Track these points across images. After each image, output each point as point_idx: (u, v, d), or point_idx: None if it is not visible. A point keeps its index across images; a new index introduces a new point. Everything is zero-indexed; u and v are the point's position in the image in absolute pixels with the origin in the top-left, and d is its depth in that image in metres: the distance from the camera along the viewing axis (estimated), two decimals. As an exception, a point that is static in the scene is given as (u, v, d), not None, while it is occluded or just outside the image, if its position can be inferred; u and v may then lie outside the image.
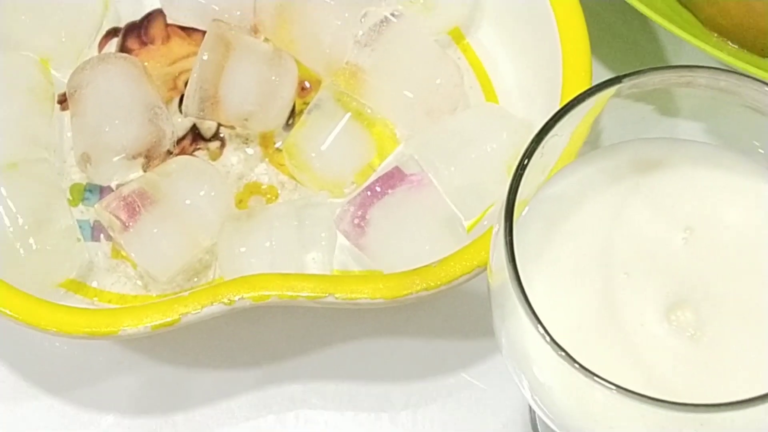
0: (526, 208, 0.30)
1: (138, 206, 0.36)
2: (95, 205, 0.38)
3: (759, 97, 0.28)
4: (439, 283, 0.35)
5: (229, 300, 0.35)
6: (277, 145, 0.41)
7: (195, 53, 0.41)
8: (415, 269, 0.35)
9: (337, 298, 0.35)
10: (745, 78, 0.28)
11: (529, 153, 0.28)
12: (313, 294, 0.35)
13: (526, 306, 0.26)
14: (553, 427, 0.30)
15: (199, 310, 0.35)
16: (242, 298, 0.35)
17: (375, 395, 0.39)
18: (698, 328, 0.28)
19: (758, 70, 0.38)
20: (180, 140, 0.41)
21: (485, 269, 0.30)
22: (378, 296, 0.35)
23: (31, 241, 0.37)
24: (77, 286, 0.38)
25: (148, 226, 0.36)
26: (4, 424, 0.41)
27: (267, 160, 0.41)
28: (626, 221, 0.30)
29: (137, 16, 0.44)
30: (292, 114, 0.41)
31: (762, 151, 0.29)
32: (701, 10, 0.39)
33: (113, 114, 0.38)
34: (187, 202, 0.37)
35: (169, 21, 0.43)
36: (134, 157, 0.38)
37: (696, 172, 0.31)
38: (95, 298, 0.38)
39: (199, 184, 0.37)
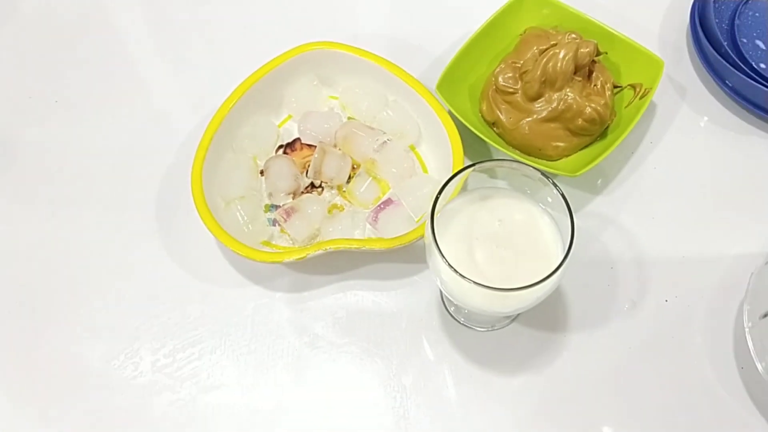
0: (439, 213, 0.52)
1: (290, 212, 0.64)
2: (274, 213, 0.66)
3: (527, 171, 0.53)
4: (405, 242, 0.60)
5: (325, 249, 0.60)
6: (343, 189, 0.68)
7: (312, 155, 0.67)
8: (396, 236, 0.61)
9: (366, 248, 0.60)
10: (521, 164, 0.53)
11: (439, 192, 0.51)
12: (357, 246, 0.60)
13: (438, 251, 0.49)
14: (449, 297, 0.53)
15: (314, 252, 0.60)
16: (330, 248, 0.60)
17: (381, 285, 0.65)
18: (504, 258, 0.52)
19: (527, 161, 0.66)
20: (306, 188, 0.67)
21: (423, 237, 0.58)
22: (382, 247, 0.60)
23: (249, 226, 0.64)
24: (267, 243, 0.65)
25: (293, 220, 0.64)
26: (233, 297, 0.63)
27: (339, 195, 0.67)
28: (476, 218, 0.54)
29: (290, 140, 0.70)
30: (349, 178, 0.68)
31: (528, 191, 0.54)
32: (506, 137, 0.69)
33: (280, 177, 0.65)
34: (309, 211, 0.64)
35: (302, 142, 0.70)
36: (288, 194, 0.66)
37: (503, 199, 0.54)
38: (274, 248, 0.64)
39: (313, 204, 0.65)
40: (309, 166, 0.68)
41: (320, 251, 0.61)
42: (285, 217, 0.65)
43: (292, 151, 0.71)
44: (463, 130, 0.67)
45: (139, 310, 0.65)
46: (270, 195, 0.68)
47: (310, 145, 0.71)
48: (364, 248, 0.61)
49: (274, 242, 0.66)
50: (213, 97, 0.70)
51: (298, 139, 0.71)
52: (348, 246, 0.61)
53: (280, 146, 0.71)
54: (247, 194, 0.67)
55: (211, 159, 0.66)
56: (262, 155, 0.70)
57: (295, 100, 0.71)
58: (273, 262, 0.61)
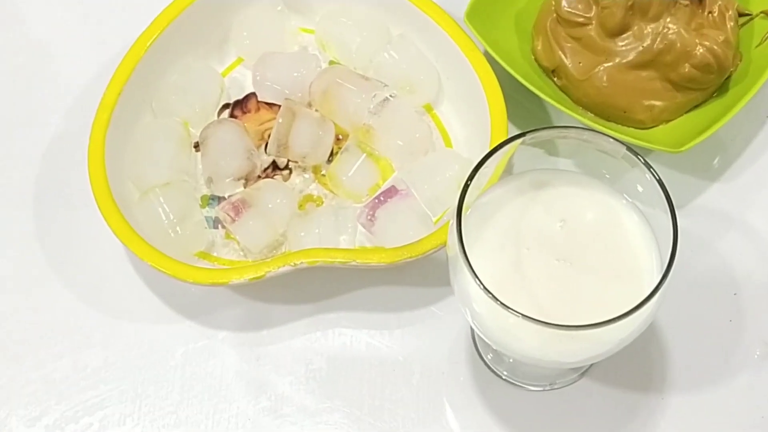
0: (469, 210, 0.52)
1: (240, 208, 0.65)
2: (216, 208, 0.68)
3: (605, 145, 0.53)
4: (417, 254, 0.62)
5: (294, 263, 0.62)
6: (322, 173, 0.70)
7: (274, 119, 0.70)
8: (403, 246, 0.62)
9: (357, 262, 0.62)
10: (597, 133, 0.53)
11: (470, 178, 0.50)
12: (343, 260, 0.62)
13: (468, 266, 0.48)
14: (484, 338, 0.54)
15: (277, 269, 0.61)
16: (302, 262, 0.62)
17: (379, 320, 0.67)
18: (569, 279, 0.52)
19: (605, 129, 0.65)
20: (265, 169, 0.70)
21: (444, 246, 0.56)
22: (381, 261, 0.62)
23: (178, 228, 0.65)
24: (205, 255, 0.67)
25: (246, 219, 0.65)
26: (152, 338, 0.66)
27: (316, 181, 0.70)
28: (527, 216, 0.54)
29: (240, 96, 0.73)
30: (331, 154, 0.70)
31: (608, 176, 0.55)
32: (572, 92, 0.70)
33: (225, 154, 0.67)
34: (270, 205, 0.65)
35: (259, 99, 0.72)
36: (238, 179, 0.68)
37: (568, 188, 0.55)
38: (215, 262, 0.66)
39: (276, 195, 0.66)
40: (269, 136, 0.70)
41: (286, 267, 0.63)
42: (232, 215, 0.66)
43: (244, 113, 0.73)
44: (505, 81, 0.69)
45: (6, 358, 0.67)
46: (210, 181, 0.70)
47: (271, 105, 0.73)
48: (353, 263, 0.63)
49: (215, 254, 0.68)
50: (121, 30, 0.71)
51: (253, 94, 0.73)
52: (329, 260, 0.63)
53: (226, 106, 0.73)
54: (174, 179, 0.68)
55: (120, 125, 0.67)
56: (198, 120, 0.71)
57: (248, 35, 0.73)
58: (214, 285, 0.63)
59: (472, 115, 0.70)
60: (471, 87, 0.69)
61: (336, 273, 0.67)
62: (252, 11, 0.74)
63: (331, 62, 0.75)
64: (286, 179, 0.70)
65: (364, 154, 0.70)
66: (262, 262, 0.63)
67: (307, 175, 0.71)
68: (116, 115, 0.67)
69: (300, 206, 0.69)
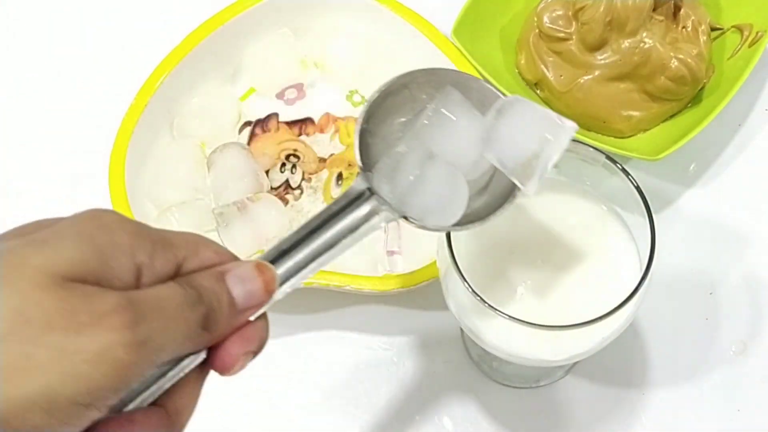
0: None
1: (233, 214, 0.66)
2: (212, 208, 0.68)
3: (585, 153, 0.54)
4: (410, 284, 0.63)
5: None
6: (332, 194, 0.71)
7: (293, 138, 0.72)
8: (396, 275, 0.63)
9: (351, 287, 0.63)
10: (577, 143, 0.54)
11: None
12: (338, 284, 0.63)
13: (457, 270, 0.50)
14: (473, 338, 0.54)
15: None
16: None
17: (374, 323, 0.67)
18: (553, 281, 0.53)
19: (585, 138, 0.66)
20: (277, 188, 0.71)
21: (436, 278, 0.56)
22: (374, 289, 0.63)
23: None
24: None
25: (234, 224, 0.66)
26: None
27: (325, 203, 0.70)
28: (513, 221, 0.55)
29: (262, 116, 0.74)
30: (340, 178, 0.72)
31: (589, 183, 0.56)
32: (554, 104, 0.71)
33: (241, 175, 0.68)
34: (262, 218, 0.67)
35: (280, 119, 0.74)
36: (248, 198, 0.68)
37: (553, 194, 0.56)
38: None
39: (270, 209, 0.67)
40: (287, 155, 0.72)
41: None
42: (224, 221, 0.68)
43: (264, 132, 0.74)
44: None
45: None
46: (218, 199, 0.70)
47: (290, 124, 0.74)
48: (347, 288, 0.64)
49: None
50: (144, 56, 0.72)
51: (275, 114, 0.75)
52: (324, 282, 0.64)
53: (247, 123, 0.75)
54: (189, 198, 0.69)
55: (139, 146, 0.68)
56: (215, 141, 0.72)
57: (260, 66, 0.74)
58: None
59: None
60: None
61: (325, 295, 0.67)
62: (262, 43, 0.75)
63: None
64: (297, 198, 0.71)
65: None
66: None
67: (317, 196, 0.72)
68: (135, 137, 0.68)
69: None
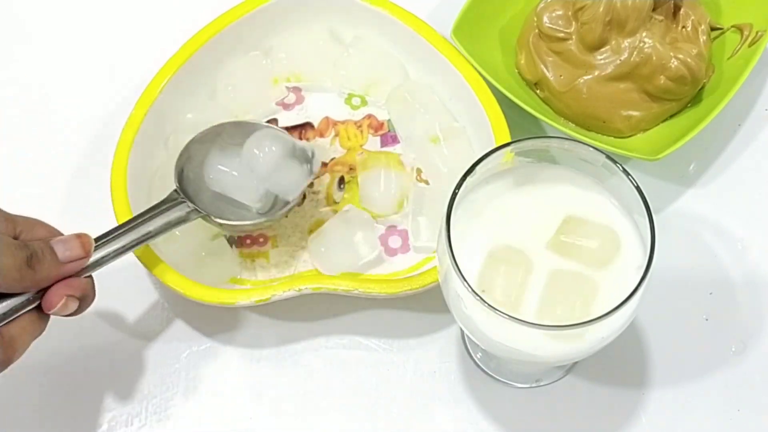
0: (457, 209, 0.53)
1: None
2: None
3: (585, 153, 0.54)
4: (418, 286, 0.63)
5: (298, 289, 0.63)
6: (335, 199, 0.71)
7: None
8: (404, 278, 0.64)
9: (360, 291, 0.63)
10: (578, 142, 0.55)
11: (458, 186, 0.53)
12: (346, 289, 0.63)
13: (456, 270, 0.50)
14: (473, 339, 0.55)
15: (282, 293, 0.63)
16: (306, 287, 0.63)
17: (375, 323, 0.67)
18: (545, 282, 0.52)
19: (585, 138, 0.66)
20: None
21: (435, 283, 0.58)
22: (383, 293, 0.63)
23: (204, 256, 0.67)
24: (236, 281, 0.68)
25: None
26: (158, 341, 0.67)
27: (328, 206, 0.71)
28: (514, 216, 0.55)
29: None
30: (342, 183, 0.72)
31: (590, 181, 0.55)
32: (554, 103, 0.71)
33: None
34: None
35: (279, 125, 0.74)
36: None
37: (561, 185, 0.56)
38: (249, 285, 0.67)
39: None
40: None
41: (291, 292, 0.64)
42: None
43: None
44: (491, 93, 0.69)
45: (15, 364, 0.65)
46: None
47: (293, 128, 0.75)
48: (355, 292, 0.64)
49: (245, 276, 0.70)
50: (134, 72, 0.74)
51: (274, 120, 0.75)
52: (332, 287, 0.64)
53: None
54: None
55: (137, 161, 0.68)
56: None
57: (233, 89, 0.73)
58: (221, 305, 0.64)
59: (478, 135, 0.71)
60: (461, 92, 0.70)
61: (339, 301, 0.68)
62: (236, 65, 0.74)
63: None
64: (299, 204, 0.72)
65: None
66: (269, 286, 0.65)
67: (319, 199, 0.72)
68: (134, 151, 0.68)
69: (310, 231, 0.70)
